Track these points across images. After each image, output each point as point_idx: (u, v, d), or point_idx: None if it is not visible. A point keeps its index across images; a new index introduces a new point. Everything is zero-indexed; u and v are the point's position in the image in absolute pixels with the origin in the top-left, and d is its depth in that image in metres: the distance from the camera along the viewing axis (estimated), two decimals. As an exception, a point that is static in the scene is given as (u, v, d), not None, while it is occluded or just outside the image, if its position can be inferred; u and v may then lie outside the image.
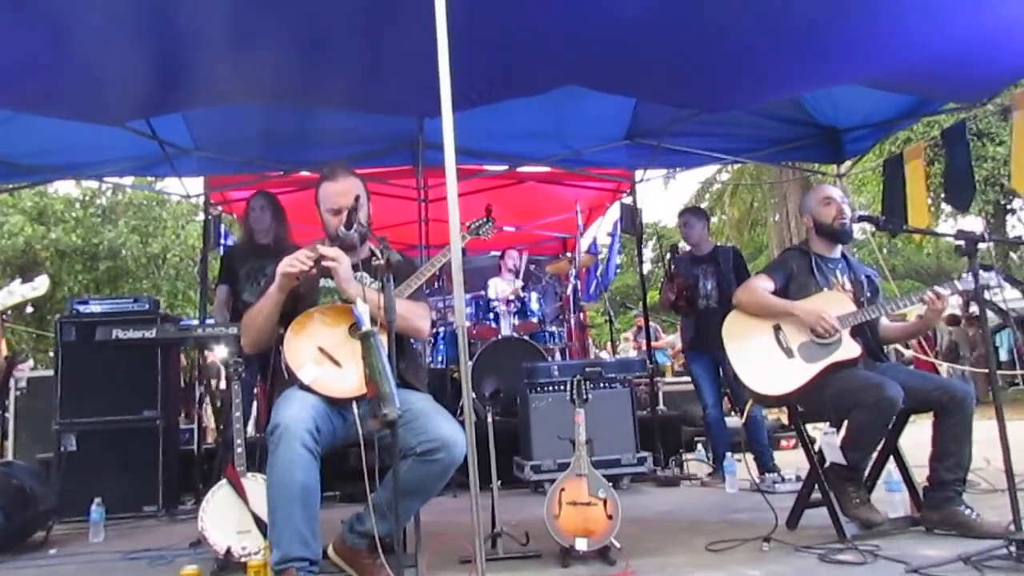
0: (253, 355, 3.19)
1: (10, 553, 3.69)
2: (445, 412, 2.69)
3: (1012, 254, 19.37)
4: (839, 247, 3.54)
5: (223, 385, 5.53)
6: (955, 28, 3.60)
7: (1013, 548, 2.47)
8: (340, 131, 5.39)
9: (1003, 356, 14.68)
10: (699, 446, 6.06)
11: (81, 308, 4.88)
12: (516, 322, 6.36)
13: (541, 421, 4.76)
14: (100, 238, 17.94)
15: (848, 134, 5.90)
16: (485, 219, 3.28)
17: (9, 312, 2.65)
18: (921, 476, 3.23)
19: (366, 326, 2.10)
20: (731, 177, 18.28)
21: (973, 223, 16.68)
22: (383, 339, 2.18)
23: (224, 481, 3.20)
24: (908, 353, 9.92)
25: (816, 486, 3.23)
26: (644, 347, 7.45)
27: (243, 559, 2.96)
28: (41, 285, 2.60)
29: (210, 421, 5.72)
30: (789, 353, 3.23)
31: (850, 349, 3.20)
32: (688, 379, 5.76)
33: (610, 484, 3.07)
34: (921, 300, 3.26)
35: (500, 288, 6.81)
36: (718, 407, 5.16)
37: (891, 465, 3.38)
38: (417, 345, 3.33)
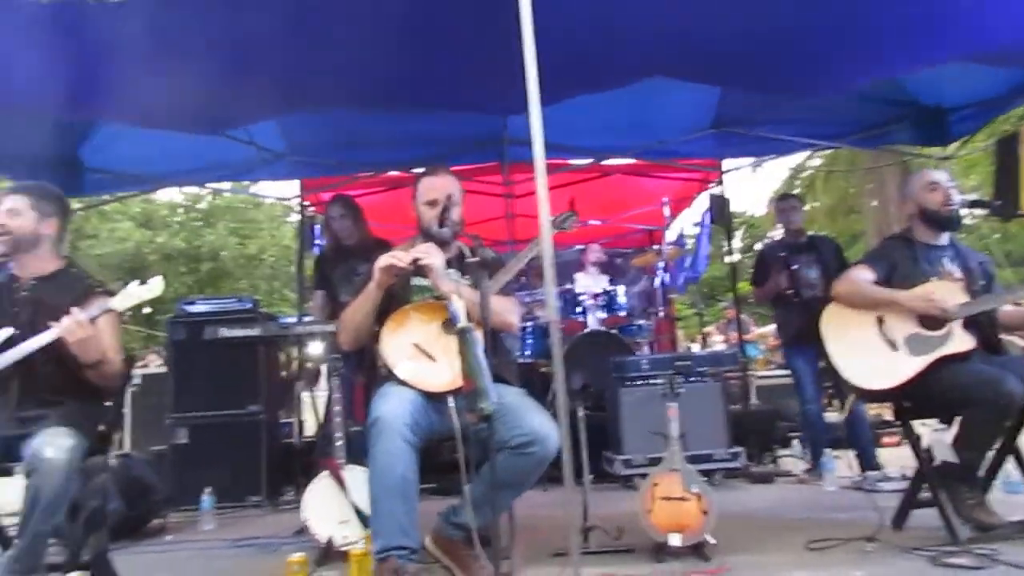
0: (351, 351, 3.29)
1: (130, 539, 3.93)
2: (538, 406, 2.72)
3: None
4: (946, 234, 3.38)
5: (321, 381, 5.71)
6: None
7: None
8: (426, 131, 5.49)
9: None
10: (794, 442, 5.90)
11: (188, 308, 5.14)
12: (603, 316, 6.33)
13: (631, 415, 4.74)
14: (201, 241, 18.81)
15: (955, 114, 5.60)
16: (569, 213, 3.29)
17: (128, 313, 2.81)
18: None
19: (462, 322, 2.15)
20: (823, 163, 17.64)
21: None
22: (478, 335, 2.22)
23: (325, 473, 3.32)
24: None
25: (925, 485, 3.09)
26: (735, 340, 7.30)
27: (344, 548, 3.06)
28: (156, 286, 2.74)
29: (309, 415, 5.92)
30: (893, 346, 3.11)
31: (962, 341, 3.05)
32: (782, 373, 5.61)
33: (705, 479, 3.04)
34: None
35: (586, 282, 6.79)
36: (817, 402, 4.99)
37: (1010, 465, 3.19)
38: (509, 341, 3.37)
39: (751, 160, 6.82)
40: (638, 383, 4.80)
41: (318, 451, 4.43)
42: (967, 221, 8.58)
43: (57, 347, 2.69)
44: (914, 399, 3.13)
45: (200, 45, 3.28)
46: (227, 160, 5.79)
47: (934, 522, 2.97)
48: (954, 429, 2.96)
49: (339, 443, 3.35)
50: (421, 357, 2.70)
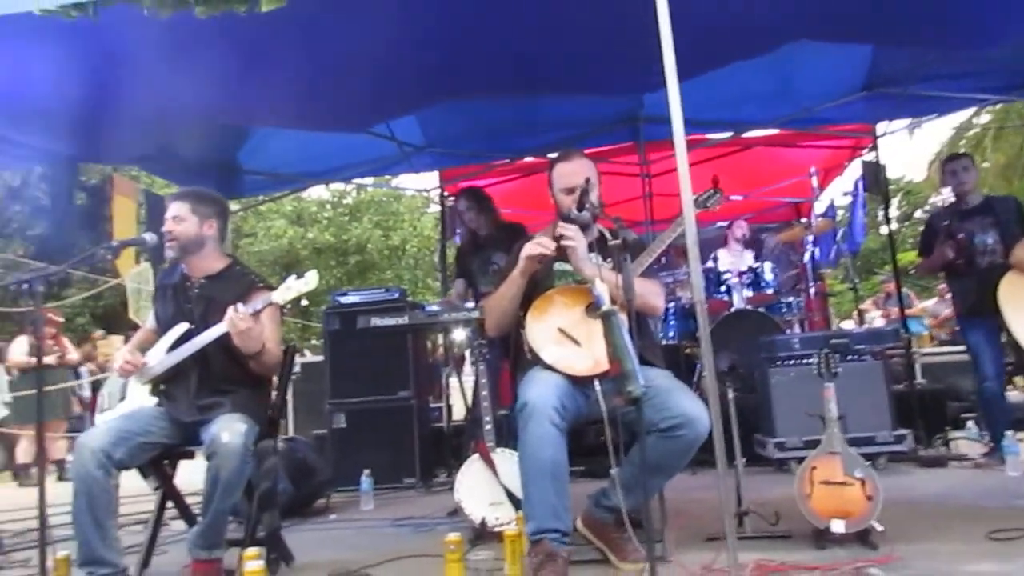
0: (496, 337, 3.35)
1: (297, 518, 4.18)
2: (686, 388, 2.67)
3: None
4: None
5: (467, 366, 5.86)
6: None
7: None
8: (560, 115, 5.49)
9: None
10: (969, 423, 5.46)
11: (341, 300, 5.40)
12: (749, 294, 6.12)
13: (783, 397, 4.56)
14: (348, 235, 19.68)
15: None
16: (712, 191, 3.18)
17: (288, 306, 2.99)
18: None
19: (606, 305, 2.14)
20: (993, 119, 16.19)
21: None
22: (623, 318, 2.20)
23: (476, 456, 3.40)
24: None
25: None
26: (895, 315, 6.87)
27: (497, 529, 3.13)
28: (312, 280, 2.90)
29: (457, 400, 6.09)
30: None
31: None
32: (951, 349, 5.20)
33: (868, 463, 2.88)
34: None
35: (729, 260, 6.59)
36: (998, 380, 4.54)
37: None
38: (651, 323, 3.33)
39: (908, 122, 6.37)
40: (789, 363, 4.61)
41: (467, 435, 4.55)
42: None
43: (227, 340, 2.89)
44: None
45: (343, 49, 3.44)
46: (371, 156, 6.05)
47: None
48: None
49: (487, 427, 3.42)
50: (566, 341, 2.71)
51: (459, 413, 5.81)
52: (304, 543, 3.40)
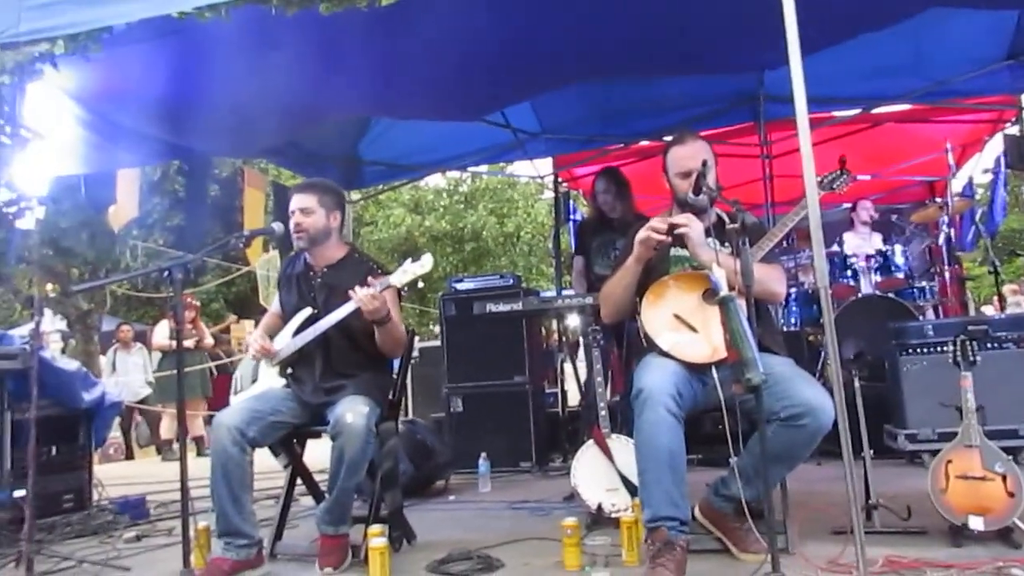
0: (608, 325, 3.33)
1: (418, 498, 4.31)
2: (808, 376, 2.59)
3: None
4: None
5: (580, 352, 5.86)
6: None
7: None
8: (676, 96, 5.39)
9: None
10: None
11: (457, 286, 5.52)
12: (878, 279, 5.82)
13: (915, 386, 4.32)
14: (464, 222, 19.98)
15: None
16: (839, 172, 3.04)
17: (404, 288, 3.07)
18: None
19: (724, 291, 2.09)
20: None
21: None
22: (741, 304, 2.15)
23: (591, 442, 3.40)
24: None
25: None
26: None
27: (613, 515, 3.13)
28: (427, 262, 2.98)
29: (571, 386, 6.10)
30: None
31: None
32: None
33: (1009, 458, 2.70)
34: None
35: (856, 243, 6.28)
36: None
37: None
38: (772, 309, 3.22)
39: (1059, 90, 5.87)
40: (922, 351, 4.36)
41: (582, 420, 4.56)
42: None
43: (350, 325, 3.01)
44: None
45: (460, 39, 3.49)
46: (486, 144, 6.14)
47: None
48: None
49: (602, 413, 3.41)
50: (682, 328, 2.66)
51: (573, 399, 5.84)
52: (425, 522, 3.50)
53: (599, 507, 3.26)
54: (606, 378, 3.74)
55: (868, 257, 5.87)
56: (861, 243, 6.26)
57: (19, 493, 3.63)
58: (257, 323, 3.69)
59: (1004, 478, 2.62)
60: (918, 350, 4.37)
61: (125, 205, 4.81)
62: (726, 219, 2.70)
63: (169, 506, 4.44)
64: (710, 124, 5.79)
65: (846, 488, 2.18)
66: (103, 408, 4.33)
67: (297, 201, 3.17)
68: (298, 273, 3.27)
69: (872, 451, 3.03)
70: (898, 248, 5.98)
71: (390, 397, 3.21)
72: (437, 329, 6.51)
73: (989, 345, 4.20)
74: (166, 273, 2.72)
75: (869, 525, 2.82)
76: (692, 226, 2.70)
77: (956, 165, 6.51)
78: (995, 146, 7.01)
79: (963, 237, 7.34)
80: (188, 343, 8.65)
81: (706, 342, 2.59)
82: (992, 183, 7.49)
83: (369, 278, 2.95)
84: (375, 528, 2.75)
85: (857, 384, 3.08)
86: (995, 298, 7.31)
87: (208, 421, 8.44)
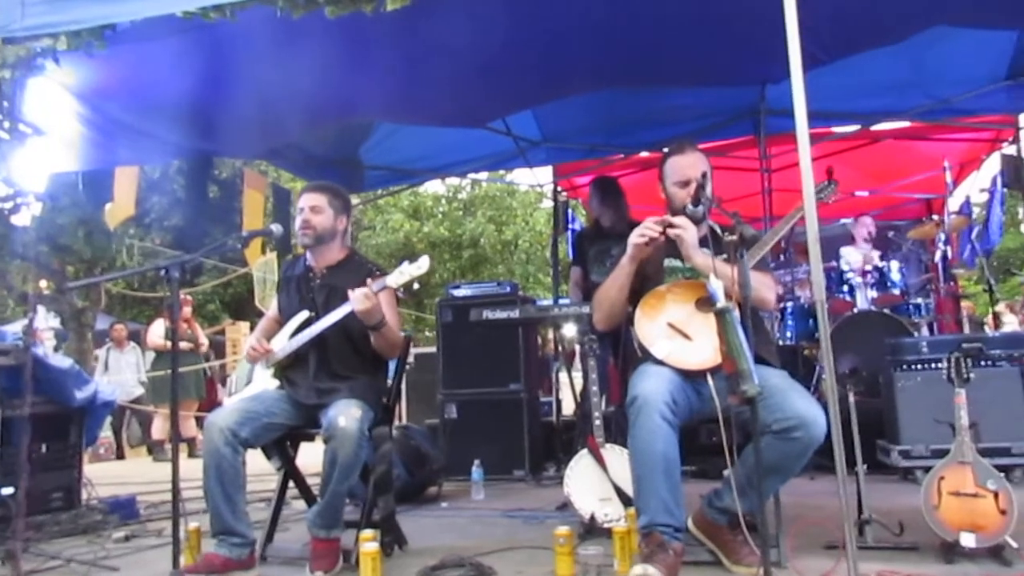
0: (605, 333, 3.33)
1: (411, 504, 4.29)
2: (801, 389, 2.59)
3: None
4: None
5: (576, 361, 5.86)
6: None
7: None
8: (677, 109, 5.40)
9: None
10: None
11: (455, 292, 5.51)
12: (874, 294, 5.84)
13: (909, 402, 4.32)
14: (462, 229, 20.01)
15: None
16: (827, 183, 3.06)
17: (401, 291, 3.07)
18: None
19: (721, 302, 2.09)
20: None
21: None
22: (737, 314, 2.15)
23: (585, 451, 3.40)
24: None
25: None
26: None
27: (606, 525, 3.12)
28: (424, 264, 2.98)
29: (566, 395, 6.09)
30: None
31: None
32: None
33: (1002, 475, 2.70)
34: None
35: (853, 258, 6.30)
36: None
37: None
38: (765, 320, 3.22)
39: (1056, 112, 5.90)
40: (917, 367, 4.37)
41: (577, 430, 4.55)
42: None
43: (347, 327, 3.00)
44: None
45: (463, 46, 3.50)
46: (487, 151, 6.14)
47: None
48: None
49: (597, 422, 3.41)
50: (677, 336, 2.66)
51: (569, 408, 5.83)
52: (417, 528, 3.49)
53: (592, 517, 3.25)
54: (602, 388, 3.74)
55: (865, 272, 5.89)
56: (858, 259, 6.27)
57: (7, 491, 3.60)
58: (253, 325, 3.67)
59: (996, 495, 2.62)
60: (913, 366, 4.37)
61: (122, 203, 4.79)
62: (719, 231, 2.72)
63: (160, 507, 4.42)
64: (711, 137, 5.81)
65: (839, 503, 2.18)
66: (95, 407, 4.31)
67: (307, 199, 3.17)
68: (298, 275, 3.27)
69: (866, 466, 3.03)
70: (895, 264, 6.00)
71: (385, 401, 3.21)
72: (433, 335, 6.51)
73: (983, 362, 4.21)
74: (163, 272, 2.71)
75: (861, 540, 2.81)
76: (687, 229, 2.71)
77: (954, 183, 6.52)
78: (992, 165, 7.05)
79: (960, 255, 7.35)
80: (185, 345, 8.64)
81: (701, 350, 2.59)
82: (988, 202, 7.51)
83: (368, 280, 2.95)
84: (367, 533, 2.74)
85: (852, 399, 3.09)
86: (990, 316, 7.34)
87: (201, 423, 8.42)
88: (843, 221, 7.24)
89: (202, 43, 3.34)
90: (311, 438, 3.20)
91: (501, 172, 9.77)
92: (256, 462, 3.14)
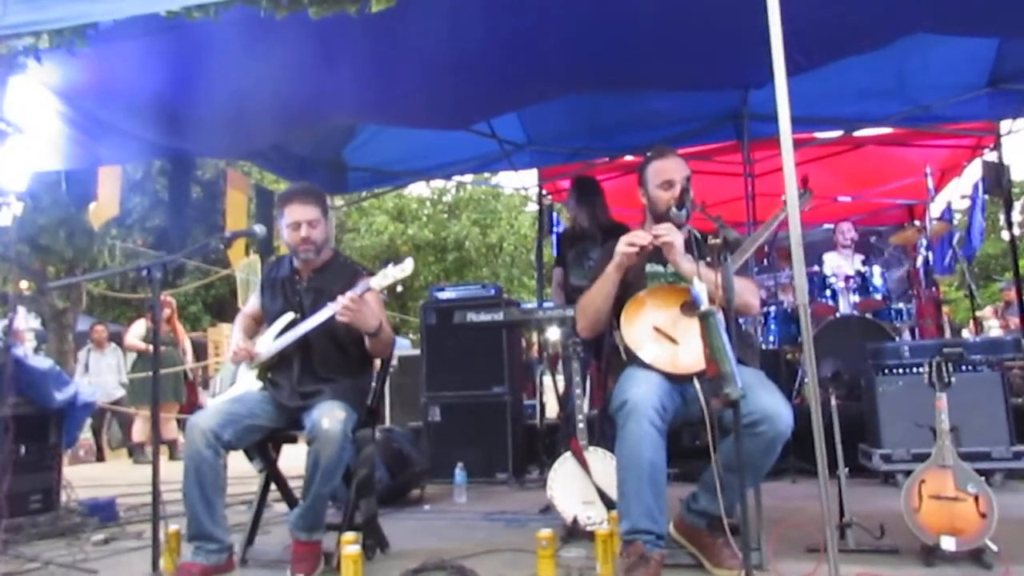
0: (589, 338, 3.33)
1: (393, 506, 4.27)
2: (770, 385, 2.59)
3: None
4: None
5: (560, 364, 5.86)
6: None
7: None
8: (661, 113, 5.43)
9: None
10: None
11: (439, 295, 5.50)
12: (857, 299, 5.90)
13: (890, 407, 4.36)
14: (447, 232, 19.98)
15: None
16: (801, 191, 3.07)
17: (384, 293, 3.05)
18: None
19: (705, 305, 2.10)
20: None
21: None
22: (721, 318, 2.16)
23: (568, 454, 3.39)
24: None
25: None
26: (1016, 325, 6.47)
27: (589, 528, 3.12)
28: (408, 266, 2.97)
29: (550, 398, 6.09)
30: None
31: None
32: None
33: (982, 479, 2.72)
34: None
35: (836, 263, 6.35)
36: None
37: None
38: (746, 325, 3.24)
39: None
40: (898, 372, 4.41)
41: (560, 433, 4.55)
42: None
43: (333, 329, 2.99)
44: None
45: (448, 48, 3.50)
46: (471, 153, 6.15)
47: None
48: None
49: (580, 425, 3.41)
50: (663, 340, 2.67)
51: (552, 411, 5.82)
52: (399, 531, 3.47)
53: (575, 520, 3.25)
54: (585, 391, 3.75)
55: (847, 278, 5.94)
56: (841, 264, 6.33)
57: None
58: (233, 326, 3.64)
59: (976, 499, 2.64)
60: (894, 371, 4.41)
61: (106, 203, 4.76)
62: (699, 236, 2.72)
63: (140, 509, 4.37)
64: (695, 141, 5.85)
65: (820, 506, 2.19)
66: (75, 408, 4.26)
67: (303, 212, 3.07)
68: (283, 277, 3.24)
69: (847, 470, 3.05)
70: (877, 269, 6.05)
71: (368, 404, 3.19)
72: (417, 338, 6.49)
73: (964, 367, 4.26)
74: (145, 272, 2.69)
75: (842, 543, 2.83)
76: (674, 236, 2.72)
77: (935, 189, 6.60)
78: (973, 172, 7.13)
79: (940, 260, 7.43)
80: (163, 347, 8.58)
81: (686, 354, 2.60)
82: (971, 209, 7.59)
83: (348, 292, 2.92)
84: (349, 535, 2.72)
85: (834, 403, 3.11)
86: (971, 322, 7.42)
87: (181, 425, 8.36)
88: (825, 226, 7.31)
89: (185, 43, 3.32)
90: (293, 440, 3.18)
91: (486, 175, 9.77)
92: (238, 464, 3.12)
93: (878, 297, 5.92)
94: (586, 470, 3.31)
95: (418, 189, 21.35)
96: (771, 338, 6.19)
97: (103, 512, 4.16)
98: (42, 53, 2.97)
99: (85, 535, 3.76)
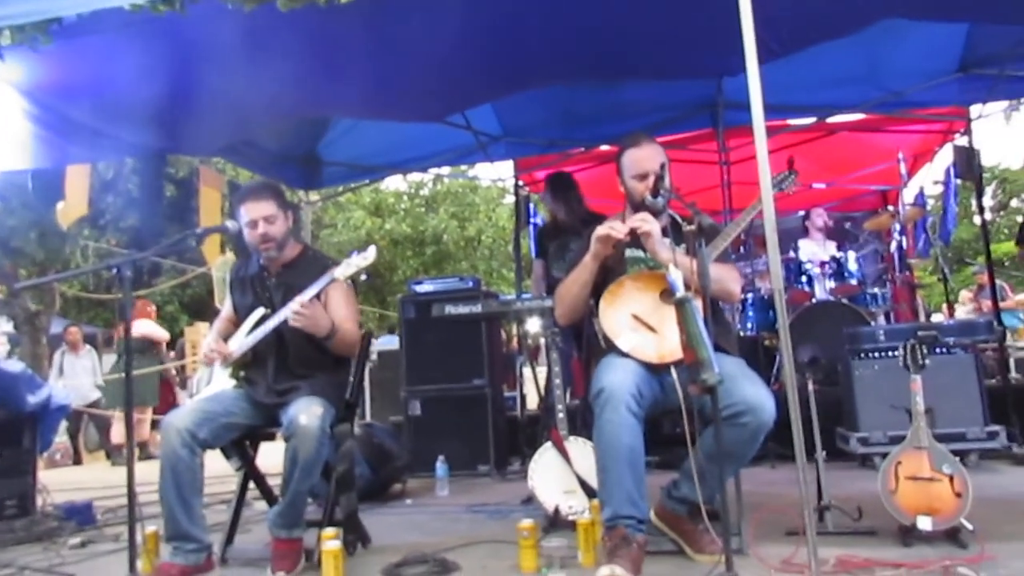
0: (567, 327, 3.32)
1: (375, 501, 4.26)
2: (753, 375, 2.61)
3: None
4: None
5: (540, 355, 5.86)
6: None
7: None
8: (636, 102, 5.43)
9: None
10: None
11: (418, 288, 5.48)
12: (832, 285, 5.94)
13: (867, 390, 4.40)
14: (425, 225, 19.91)
15: None
16: (788, 172, 3.09)
17: (349, 282, 2.99)
18: None
19: (681, 292, 2.10)
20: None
21: None
22: (698, 304, 2.16)
23: (549, 444, 3.39)
24: None
25: None
26: (988, 308, 6.56)
27: (570, 517, 3.13)
28: (370, 254, 2.93)
29: (530, 389, 6.09)
30: None
31: None
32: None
33: (957, 459, 2.76)
34: None
35: (811, 250, 6.40)
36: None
37: None
38: (726, 312, 3.25)
39: (1004, 105, 6.05)
40: (874, 355, 4.45)
41: (541, 424, 4.55)
42: None
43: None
44: None
45: (420, 39, 3.48)
46: (447, 146, 6.13)
47: None
48: None
49: (560, 415, 3.41)
50: (641, 328, 2.67)
51: (533, 402, 5.83)
52: (381, 526, 3.45)
53: (556, 509, 3.26)
54: (565, 381, 3.75)
55: (823, 263, 5.98)
56: (816, 250, 6.37)
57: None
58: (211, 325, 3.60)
59: (952, 479, 2.67)
60: (870, 355, 4.45)
61: (75, 202, 4.67)
62: (680, 221, 2.72)
63: (117, 512, 4.32)
64: (670, 130, 5.86)
65: (799, 490, 2.20)
66: (49, 412, 4.20)
67: (257, 210, 3.02)
68: (252, 275, 3.19)
69: (825, 453, 3.07)
70: (852, 255, 6.10)
71: (346, 398, 3.17)
72: (397, 332, 6.46)
73: (939, 350, 4.30)
74: (115, 271, 2.64)
75: (821, 526, 2.86)
76: (651, 225, 2.72)
77: (908, 175, 6.66)
78: (945, 157, 7.19)
79: (915, 245, 7.50)
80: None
81: (665, 342, 2.60)
82: (944, 193, 7.67)
83: (297, 298, 2.88)
84: (329, 531, 2.70)
85: (811, 388, 3.13)
86: (945, 305, 7.50)
87: (155, 426, 8.29)
88: (800, 213, 7.35)
89: (153, 38, 3.27)
90: (271, 437, 3.15)
91: (463, 167, 9.72)
92: (216, 463, 3.09)
93: (853, 282, 5.97)
94: (567, 460, 3.32)
95: (395, 183, 21.28)
96: (749, 325, 6.22)
97: (80, 515, 4.10)
98: (4, 50, 2.91)
99: (62, 539, 3.71)
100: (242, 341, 3.06)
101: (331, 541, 2.62)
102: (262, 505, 3.52)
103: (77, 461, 9.36)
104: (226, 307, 3.35)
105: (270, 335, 2.99)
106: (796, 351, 4.82)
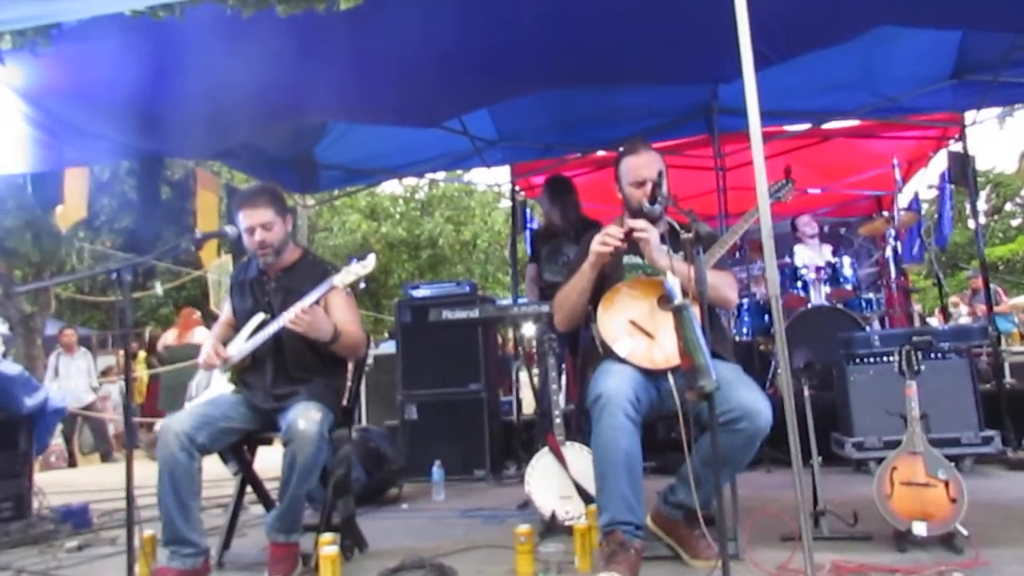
0: (562, 333, 3.34)
1: (370, 506, 4.26)
2: (749, 381, 2.62)
3: None
4: None
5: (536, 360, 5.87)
6: None
7: None
8: (632, 108, 5.44)
9: None
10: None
11: (413, 293, 5.48)
12: (828, 290, 5.97)
13: (862, 395, 4.42)
14: (420, 229, 19.88)
15: None
16: (785, 181, 3.11)
17: (349, 290, 3.00)
18: None
19: (678, 299, 2.11)
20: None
21: None
22: (695, 311, 2.17)
23: (545, 449, 3.40)
24: None
25: None
26: (983, 312, 6.59)
27: (567, 522, 3.13)
28: (370, 262, 2.94)
29: (527, 394, 6.10)
30: None
31: None
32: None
33: (952, 464, 2.77)
34: None
35: (807, 255, 6.43)
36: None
37: None
38: (721, 317, 3.26)
39: (998, 111, 6.08)
40: (869, 360, 4.47)
41: (537, 429, 4.56)
42: None
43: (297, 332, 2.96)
44: None
45: (417, 44, 3.49)
46: (443, 151, 6.13)
47: None
48: None
49: (557, 420, 3.42)
50: (638, 334, 2.68)
51: (529, 407, 5.84)
52: (377, 530, 3.46)
53: (553, 514, 3.26)
54: (561, 386, 3.76)
55: (818, 268, 6.00)
56: (811, 255, 6.40)
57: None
58: (208, 327, 3.61)
59: (947, 484, 2.69)
60: (865, 360, 4.47)
61: (73, 205, 4.68)
62: (678, 228, 2.74)
63: (114, 515, 4.32)
64: (666, 135, 5.87)
65: (795, 495, 2.22)
66: (45, 414, 4.19)
67: (254, 216, 3.02)
68: (251, 279, 3.19)
69: (820, 458, 3.09)
70: (847, 260, 6.12)
71: (344, 403, 3.17)
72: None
73: (933, 355, 4.32)
74: (115, 275, 2.65)
75: (817, 531, 2.87)
76: (649, 231, 2.73)
77: (903, 180, 6.69)
78: (939, 162, 7.23)
79: (909, 250, 7.54)
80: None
81: (662, 348, 2.61)
82: (939, 198, 7.71)
83: (297, 304, 2.89)
84: (326, 536, 2.71)
85: (807, 392, 3.14)
86: (939, 310, 7.54)
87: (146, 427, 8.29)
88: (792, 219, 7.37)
89: (151, 42, 3.28)
90: (269, 442, 3.16)
91: (459, 172, 9.75)
92: (213, 467, 3.09)
93: (848, 287, 5.99)
94: (563, 465, 3.32)
95: (391, 187, 21.26)
96: (744, 330, 6.24)
97: (76, 518, 4.10)
98: (4, 54, 2.92)
99: (58, 542, 3.70)
100: (241, 346, 3.06)
101: (328, 546, 2.62)
102: (259, 509, 3.52)
103: (72, 463, 9.34)
104: (225, 311, 3.35)
105: (269, 340, 3.00)
106: (791, 356, 4.85)
